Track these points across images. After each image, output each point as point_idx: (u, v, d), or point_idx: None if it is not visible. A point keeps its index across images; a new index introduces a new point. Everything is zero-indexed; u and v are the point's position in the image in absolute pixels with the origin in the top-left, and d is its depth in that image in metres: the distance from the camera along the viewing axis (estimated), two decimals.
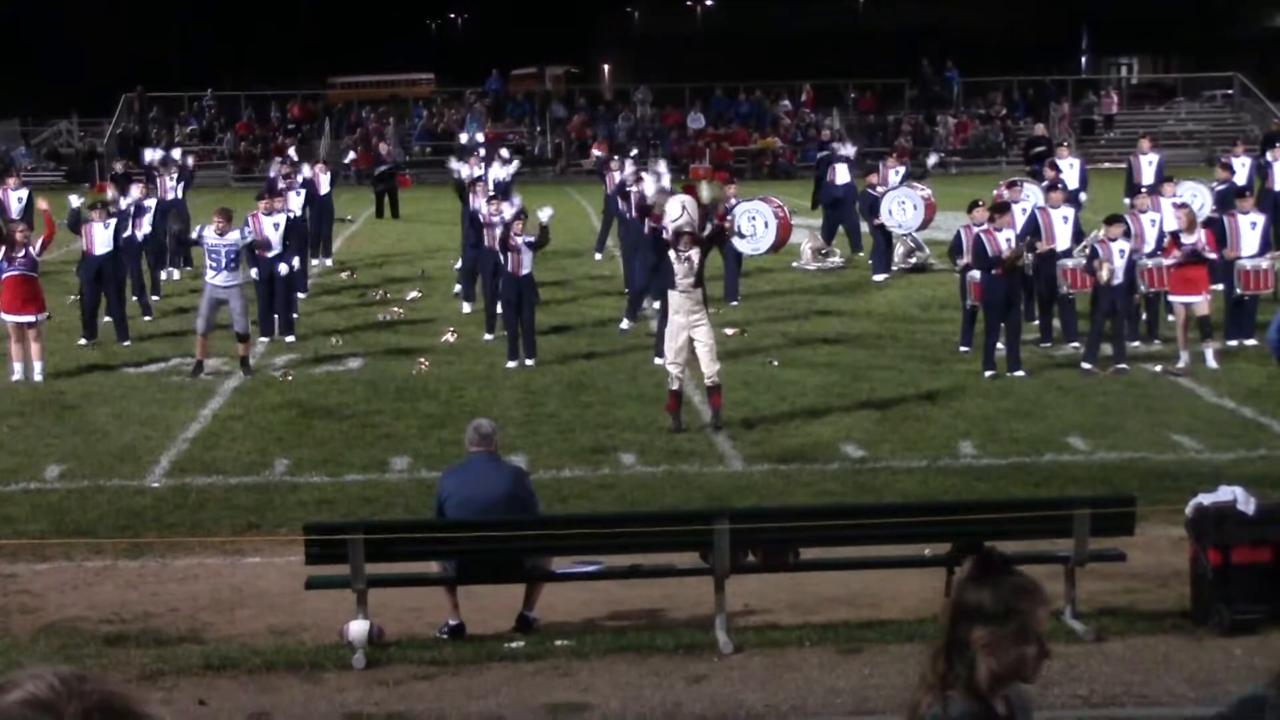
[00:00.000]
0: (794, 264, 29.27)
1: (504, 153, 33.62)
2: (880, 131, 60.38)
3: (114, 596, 11.90)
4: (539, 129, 60.85)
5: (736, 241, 25.88)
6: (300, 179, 29.40)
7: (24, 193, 31.63)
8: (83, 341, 22.05)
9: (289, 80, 65.83)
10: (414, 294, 26.30)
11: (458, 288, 25.70)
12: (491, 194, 23.97)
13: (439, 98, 64.77)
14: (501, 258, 20.41)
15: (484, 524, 10.82)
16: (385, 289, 27.10)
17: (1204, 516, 10.74)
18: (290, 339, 22.37)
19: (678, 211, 16.86)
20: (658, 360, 19.87)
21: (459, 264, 25.79)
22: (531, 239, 20.27)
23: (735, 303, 24.89)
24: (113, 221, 22.49)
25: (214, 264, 19.96)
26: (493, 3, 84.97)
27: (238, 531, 13.41)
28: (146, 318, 24.35)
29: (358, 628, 10.38)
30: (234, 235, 20.01)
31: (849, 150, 32.24)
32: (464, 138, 38.94)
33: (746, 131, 59.64)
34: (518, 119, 61.83)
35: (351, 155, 46.66)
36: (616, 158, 31.17)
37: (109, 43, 66.71)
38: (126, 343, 22.11)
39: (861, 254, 29.81)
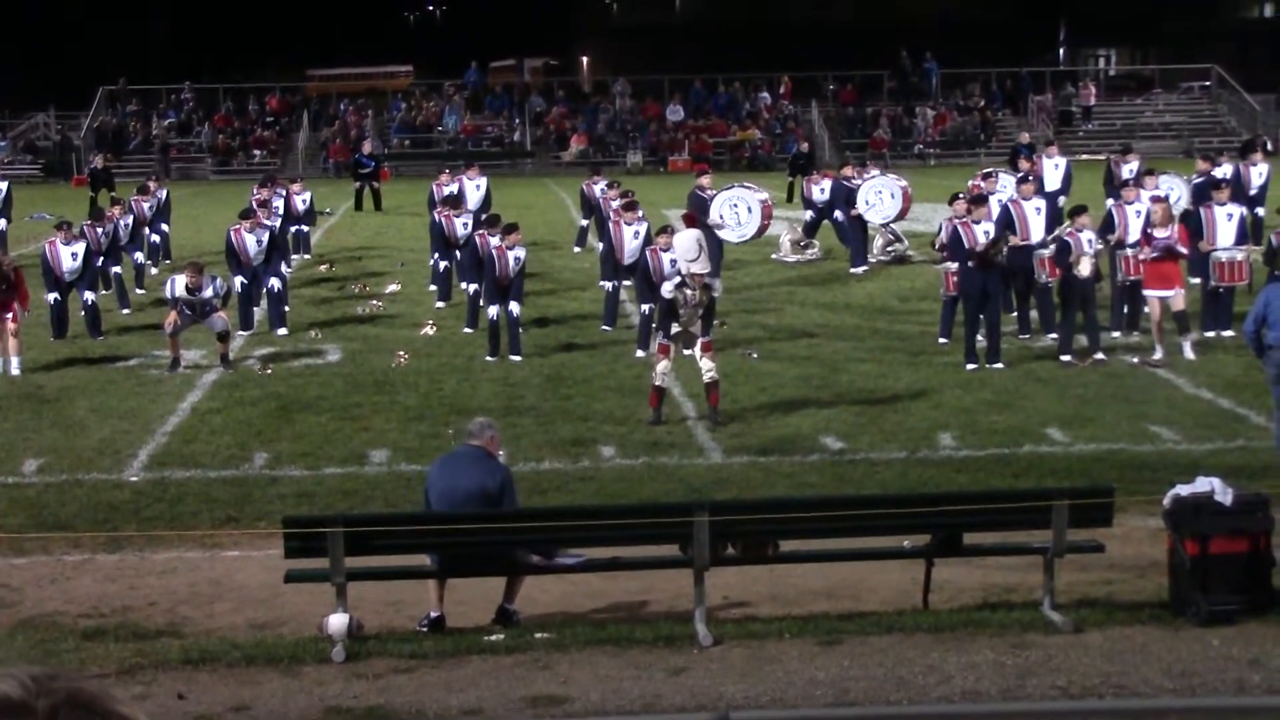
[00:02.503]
0: (773, 256, 29.27)
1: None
2: (859, 123, 60.46)
3: (92, 590, 11.87)
4: (517, 121, 60.75)
5: (722, 232, 25.93)
6: (277, 201, 28.20)
7: (3, 185, 31.57)
8: (53, 339, 21.88)
9: (267, 73, 65.65)
10: (393, 287, 26.25)
11: (433, 286, 25.58)
12: (465, 213, 25.08)
13: (417, 90, 64.66)
14: (496, 268, 20.24)
15: (463, 517, 10.82)
16: (364, 282, 27.03)
17: (1182, 507, 10.78)
18: (282, 332, 22.28)
19: (694, 252, 16.47)
20: (639, 353, 19.88)
21: (433, 260, 25.63)
22: (521, 254, 20.32)
23: (717, 294, 24.83)
24: (81, 245, 22.11)
25: (185, 318, 19.72)
26: None
27: (216, 525, 13.38)
28: (125, 311, 24.26)
29: (337, 621, 10.36)
30: (207, 292, 19.69)
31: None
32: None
33: (725, 123, 59.66)
34: (496, 111, 61.74)
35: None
36: (597, 177, 31.34)
37: (87, 35, 66.42)
38: (100, 338, 21.99)
39: (870, 264, 28.29)
